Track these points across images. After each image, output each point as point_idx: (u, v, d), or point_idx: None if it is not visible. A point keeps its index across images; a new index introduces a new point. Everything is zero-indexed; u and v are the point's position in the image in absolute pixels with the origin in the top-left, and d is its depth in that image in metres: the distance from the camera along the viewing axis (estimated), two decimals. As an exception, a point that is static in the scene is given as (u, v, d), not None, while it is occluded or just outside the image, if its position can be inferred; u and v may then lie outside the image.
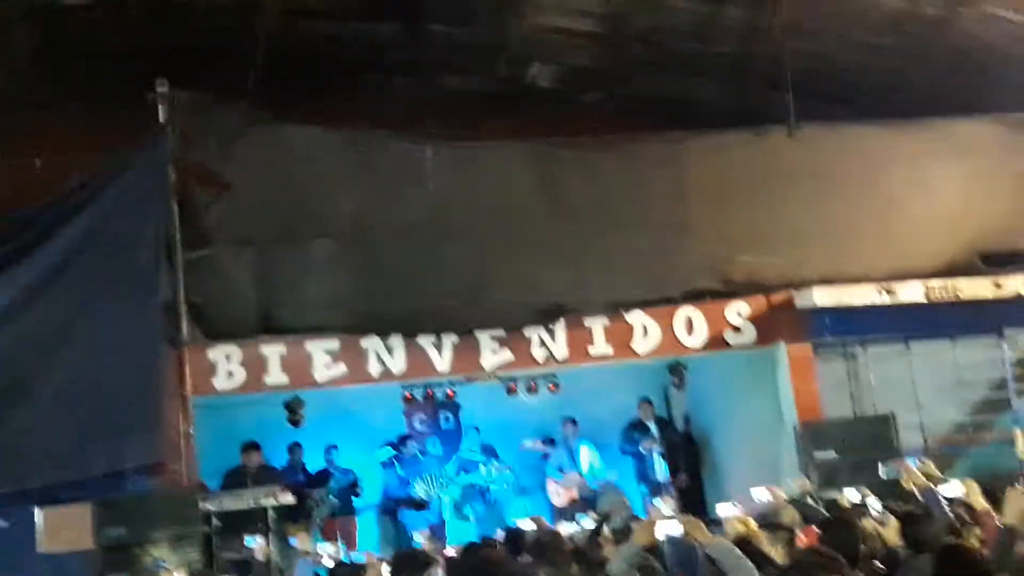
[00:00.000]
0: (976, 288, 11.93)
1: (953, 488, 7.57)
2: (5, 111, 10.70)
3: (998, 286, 11.94)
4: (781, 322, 12.03)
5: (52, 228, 10.16)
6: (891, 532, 7.11)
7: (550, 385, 12.28)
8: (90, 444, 9.88)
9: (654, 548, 6.18)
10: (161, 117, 10.55)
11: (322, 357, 10.90)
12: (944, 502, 7.36)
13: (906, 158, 12.47)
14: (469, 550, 7.96)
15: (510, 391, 12.30)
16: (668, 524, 5.75)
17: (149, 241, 10.41)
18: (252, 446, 11.41)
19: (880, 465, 9.37)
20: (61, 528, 9.63)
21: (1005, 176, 12.66)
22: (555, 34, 12.76)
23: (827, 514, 7.88)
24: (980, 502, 7.25)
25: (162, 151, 10.54)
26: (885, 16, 12.59)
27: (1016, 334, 12.32)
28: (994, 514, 6.86)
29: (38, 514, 9.60)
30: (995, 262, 12.33)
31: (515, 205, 11.75)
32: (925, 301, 11.84)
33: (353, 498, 12.60)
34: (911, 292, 11.83)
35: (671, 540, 5.67)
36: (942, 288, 11.89)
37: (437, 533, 11.74)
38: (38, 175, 10.46)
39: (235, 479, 11.03)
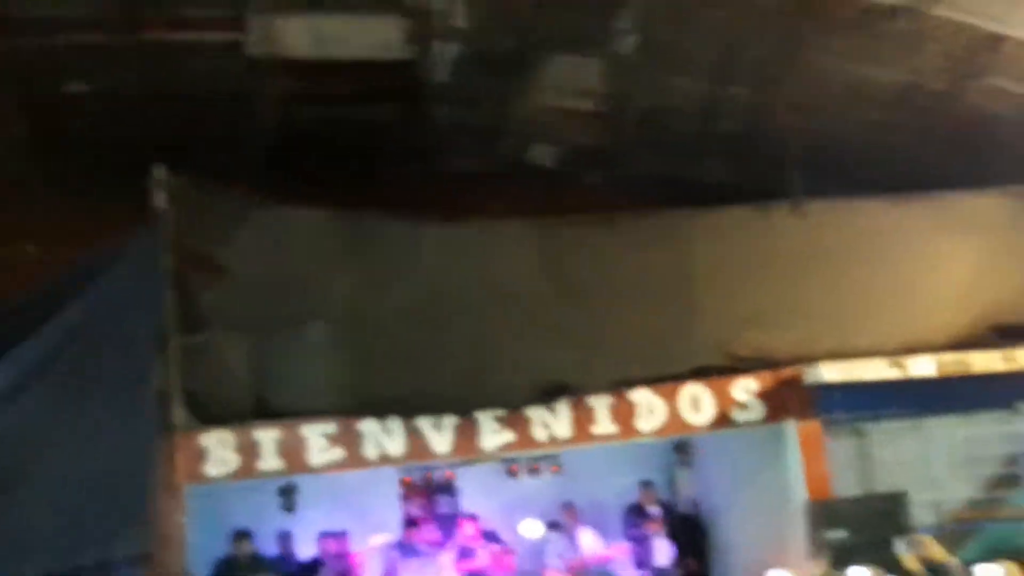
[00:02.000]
0: (988, 362, 11.64)
1: (990, 571, 7.34)
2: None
3: (1010, 360, 11.66)
4: (790, 399, 11.74)
5: (45, 316, 10.11)
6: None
7: (552, 467, 12.05)
8: (81, 534, 9.71)
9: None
10: (157, 202, 10.58)
11: (318, 441, 10.67)
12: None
13: (914, 233, 12.32)
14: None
15: (512, 473, 12.08)
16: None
17: (143, 327, 10.28)
18: (243, 535, 11.22)
19: (896, 540, 9.14)
20: (52, 619, 9.50)
21: (1015, 249, 12.47)
22: (556, 114, 12.79)
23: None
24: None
25: (157, 236, 10.49)
26: (890, 92, 12.58)
27: (1029, 408, 12.03)
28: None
29: (29, 605, 9.48)
30: (1008, 335, 12.07)
31: (516, 284, 11.61)
32: (936, 376, 11.57)
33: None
34: (922, 366, 11.56)
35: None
36: (953, 362, 11.62)
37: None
38: (33, 264, 10.47)
39: (225, 569, 10.84)
